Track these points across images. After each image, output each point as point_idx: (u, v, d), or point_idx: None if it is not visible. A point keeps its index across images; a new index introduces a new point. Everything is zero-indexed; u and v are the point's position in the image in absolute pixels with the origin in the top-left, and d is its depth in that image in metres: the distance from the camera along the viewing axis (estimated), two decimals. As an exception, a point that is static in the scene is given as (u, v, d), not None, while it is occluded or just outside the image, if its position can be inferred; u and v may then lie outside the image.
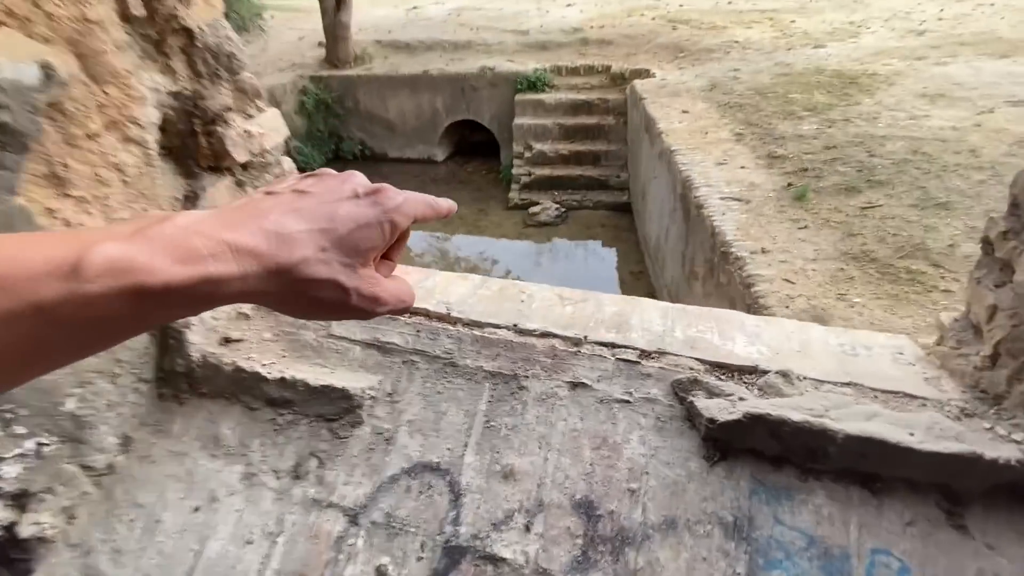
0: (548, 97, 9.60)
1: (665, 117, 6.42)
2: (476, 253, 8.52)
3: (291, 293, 0.37)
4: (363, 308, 0.40)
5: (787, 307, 3.09)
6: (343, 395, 1.17)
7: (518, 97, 9.77)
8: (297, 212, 0.38)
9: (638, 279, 7.16)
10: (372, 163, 11.88)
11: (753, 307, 3.24)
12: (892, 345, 1.11)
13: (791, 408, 0.94)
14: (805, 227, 3.84)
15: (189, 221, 0.34)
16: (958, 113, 5.15)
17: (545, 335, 1.24)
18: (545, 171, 9.43)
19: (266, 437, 1.20)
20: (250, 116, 1.37)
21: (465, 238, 9.06)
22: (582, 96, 9.47)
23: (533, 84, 9.81)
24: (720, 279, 3.90)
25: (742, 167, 4.93)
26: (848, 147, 4.84)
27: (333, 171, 0.44)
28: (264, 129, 1.40)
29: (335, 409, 1.18)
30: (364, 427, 1.17)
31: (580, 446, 1.08)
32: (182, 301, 0.33)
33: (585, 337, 1.23)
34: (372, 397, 1.19)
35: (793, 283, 3.27)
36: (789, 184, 4.48)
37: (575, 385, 1.16)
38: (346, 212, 0.39)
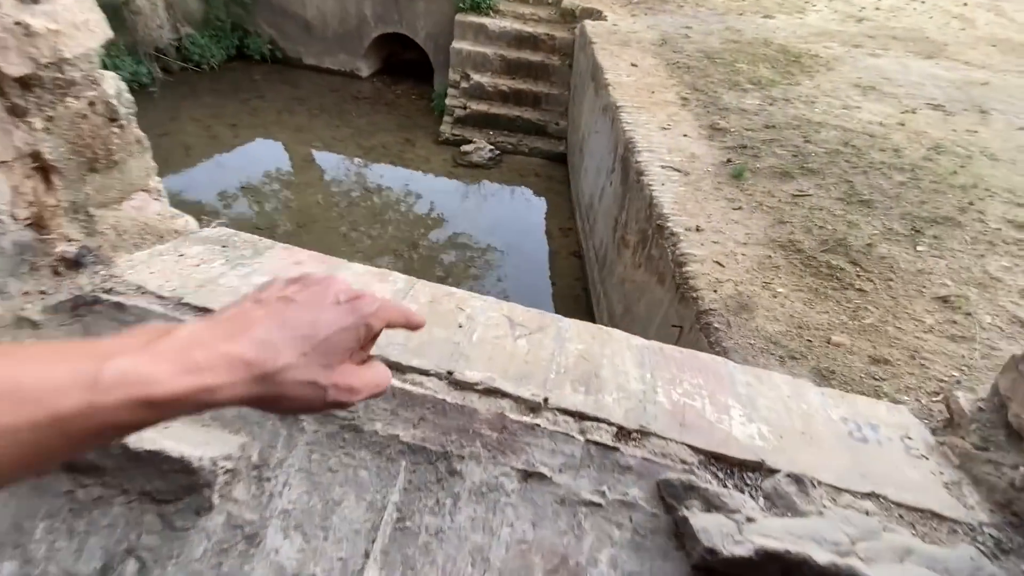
0: (492, 23, 8.75)
1: (614, 68, 6.05)
2: (400, 185, 7.85)
3: (273, 394, 0.42)
4: (339, 400, 0.46)
5: (715, 291, 3.04)
6: (182, 467, 0.80)
7: (458, 17, 8.81)
8: (283, 322, 0.43)
9: (566, 236, 7.00)
10: (284, 69, 10.38)
11: (682, 287, 3.16)
12: (897, 424, 0.96)
13: (812, 540, 0.74)
14: (739, 208, 3.79)
15: (190, 334, 0.40)
16: (885, 109, 5.31)
17: (491, 392, 0.95)
18: (482, 107, 8.75)
19: (57, 520, 0.81)
20: (31, 0, 0.86)
21: (388, 168, 8.31)
22: (528, 28, 8.74)
23: (477, 5, 8.87)
24: (652, 252, 3.79)
25: (685, 135, 4.77)
26: (786, 129, 4.83)
27: (315, 275, 0.50)
28: (60, 24, 0.89)
29: (169, 486, 0.81)
30: (215, 516, 0.82)
31: (530, 566, 0.81)
32: (179, 408, 0.37)
33: (545, 400, 0.95)
34: (229, 471, 0.83)
35: (723, 266, 3.22)
36: (728, 160, 4.40)
37: (528, 475, 0.87)
38: (327, 319, 0.45)
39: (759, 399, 1.05)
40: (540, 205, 7.82)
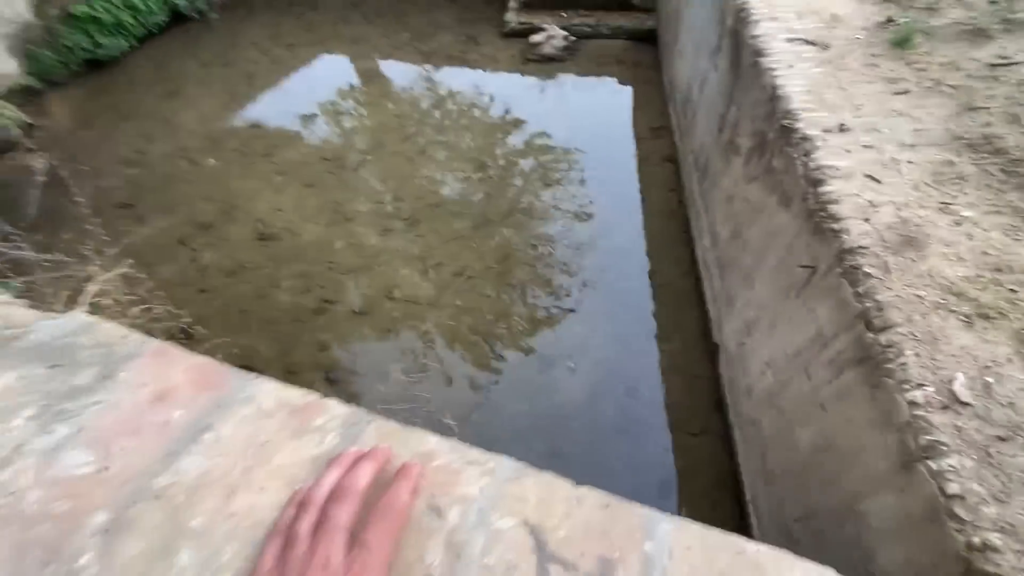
0: None
1: (722, -97, 4.60)
2: (470, 89, 7.14)
3: None
4: None
5: (866, 219, 2.28)
6: None
7: None
8: None
9: (658, 136, 6.02)
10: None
11: (817, 214, 2.42)
12: None
13: None
14: (905, 92, 2.78)
15: None
16: None
17: None
18: (552, -17, 7.44)
19: None
20: None
21: (455, 71, 7.55)
22: None
23: None
24: (773, 163, 2.97)
25: (823, -11, 3.56)
26: (982, -40, 3.41)
27: (304, 541, 0.61)
28: None
29: None
30: None
31: None
32: None
33: None
34: None
35: (879, 182, 2.40)
36: (888, 19, 3.22)
37: None
38: None
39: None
40: (626, 98, 6.75)
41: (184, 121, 6.68)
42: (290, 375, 4.11)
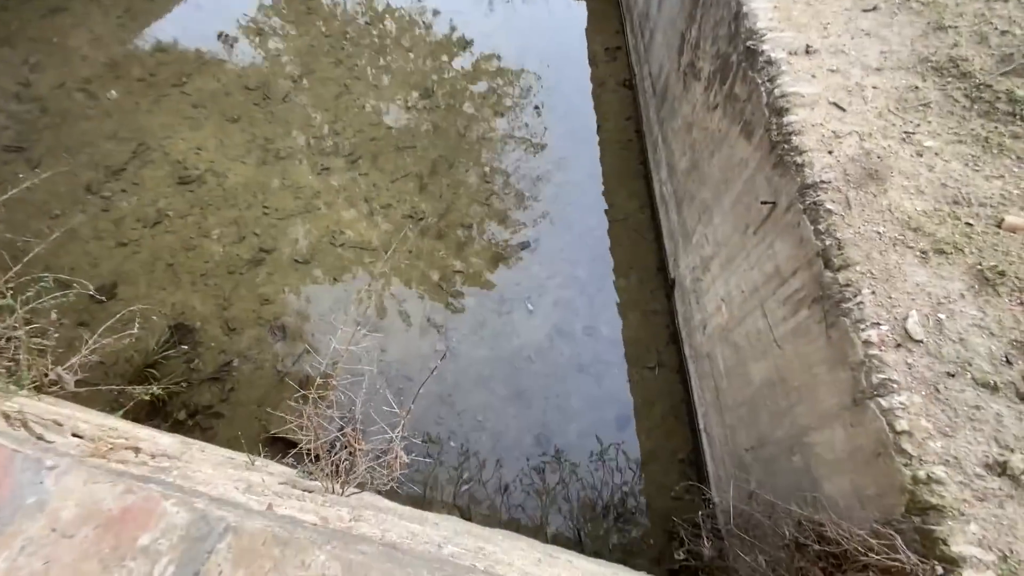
0: None
1: None
2: (411, 3, 6.42)
3: None
4: None
5: (830, 151, 2.18)
6: None
7: None
8: None
9: (614, 59, 5.65)
10: None
11: (781, 146, 2.30)
12: None
13: None
14: (874, 8, 2.61)
15: None
16: None
17: None
18: None
19: None
20: None
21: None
22: None
23: None
24: (735, 89, 2.79)
25: None
26: None
27: None
28: None
29: None
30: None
31: None
32: None
33: None
34: None
35: (844, 110, 2.28)
36: (860, -76, 2.96)
37: None
38: None
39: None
40: (580, 14, 6.26)
41: (75, 44, 5.72)
42: (231, 332, 3.85)
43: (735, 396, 2.82)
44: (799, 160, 2.19)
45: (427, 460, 3.43)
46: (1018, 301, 1.70)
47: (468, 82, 5.57)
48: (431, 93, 5.41)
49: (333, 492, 1.37)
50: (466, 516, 3.34)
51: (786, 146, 2.27)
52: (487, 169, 4.85)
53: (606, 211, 4.61)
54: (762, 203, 2.35)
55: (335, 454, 1.49)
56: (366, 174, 4.73)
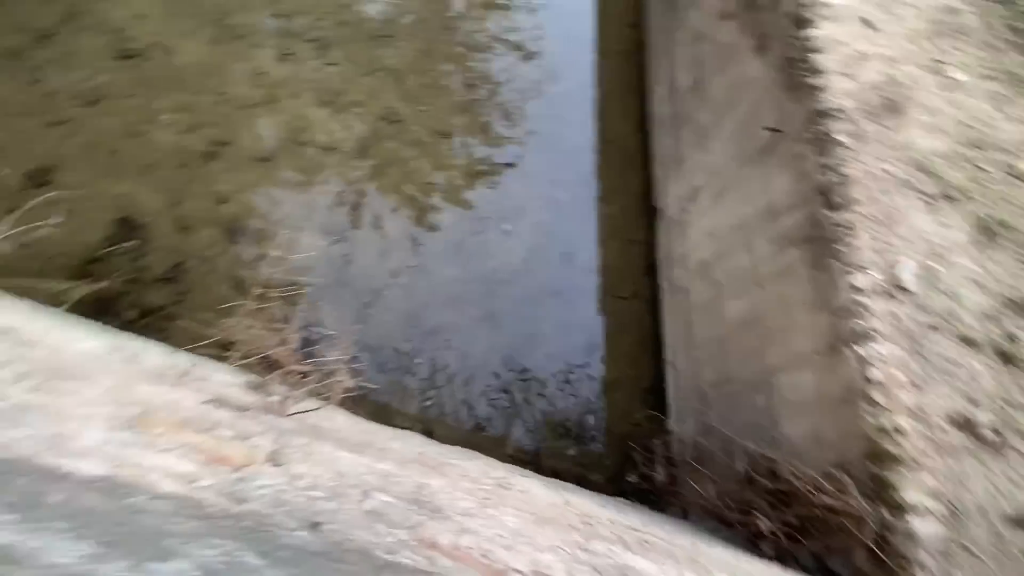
0: None
1: None
2: None
3: None
4: None
5: (850, 74, 1.96)
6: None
7: None
8: None
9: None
10: None
11: (796, 65, 2.06)
12: None
13: None
14: (925, -92, 2.26)
15: None
16: None
17: None
18: None
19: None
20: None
21: None
22: None
23: None
24: (755, -5, 2.47)
25: None
26: None
27: None
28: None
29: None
30: None
31: None
32: None
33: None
34: None
35: (874, 29, 2.03)
36: None
37: None
38: None
39: None
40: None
41: None
42: (183, 231, 3.57)
43: (707, 332, 2.79)
44: (815, 83, 1.97)
45: (388, 376, 3.39)
46: (1019, 257, 1.61)
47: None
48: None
49: (272, 412, 1.27)
50: (429, 431, 3.37)
51: (803, 65, 2.03)
52: (474, 73, 4.41)
53: (597, 131, 4.31)
54: (766, 129, 2.15)
55: (280, 370, 1.38)
56: (336, 64, 4.25)
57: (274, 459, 0.94)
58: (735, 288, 2.50)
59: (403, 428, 3.22)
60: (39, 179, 3.43)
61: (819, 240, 1.92)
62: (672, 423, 3.02)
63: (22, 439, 0.81)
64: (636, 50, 4.56)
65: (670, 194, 3.49)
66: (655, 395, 3.47)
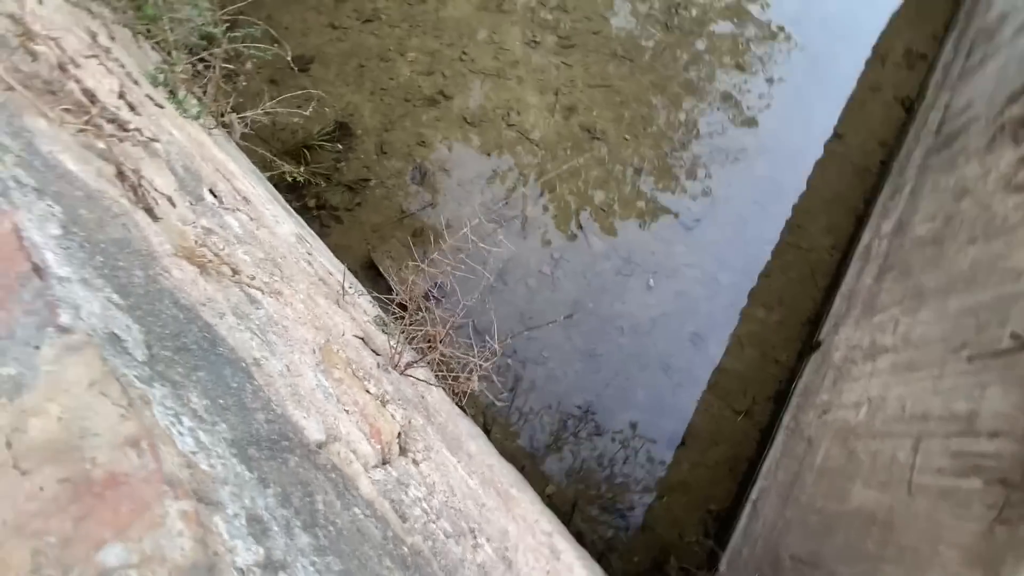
0: None
1: None
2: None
3: None
4: None
5: None
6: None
7: None
8: None
9: (910, 66, 4.52)
10: None
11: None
12: None
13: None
14: None
15: None
16: None
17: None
18: None
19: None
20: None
21: None
22: None
23: None
24: (1069, 181, 2.05)
25: None
26: None
27: None
28: None
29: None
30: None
31: None
32: None
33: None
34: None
35: None
36: None
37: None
38: None
39: None
40: (899, -2, 4.98)
41: None
42: (382, 155, 3.95)
43: (814, 499, 2.45)
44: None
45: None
46: None
47: (718, 17, 4.77)
48: (673, 11, 4.72)
49: (392, 364, 1.34)
50: (487, 427, 3.40)
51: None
52: (685, 116, 4.28)
53: (788, 227, 3.96)
54: (1013, 337, 1.79)
55: (416, 326, 1.44)
56: (569, 65, 4.38)
57: (404, 445, 0.98)
58: (875, 477, 2.14)
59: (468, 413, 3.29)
60: (301, 64, 3.99)
61: (1018, 487, 1.56)
62: (724, 565, 2.72)
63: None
64: (877, 171, 4.09)
65: (841, 335, 3.09)
66: (719, 524, 3.15)
